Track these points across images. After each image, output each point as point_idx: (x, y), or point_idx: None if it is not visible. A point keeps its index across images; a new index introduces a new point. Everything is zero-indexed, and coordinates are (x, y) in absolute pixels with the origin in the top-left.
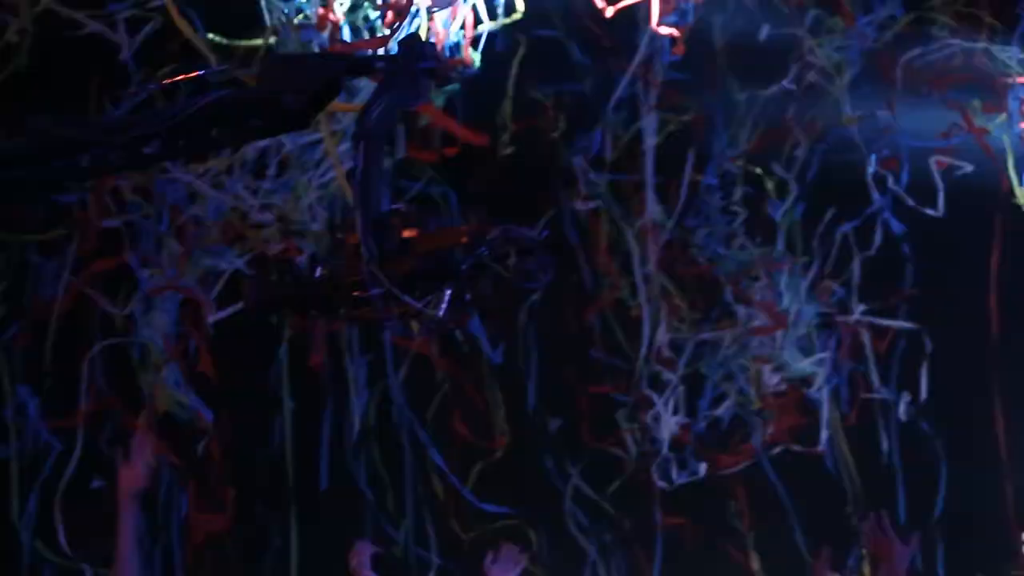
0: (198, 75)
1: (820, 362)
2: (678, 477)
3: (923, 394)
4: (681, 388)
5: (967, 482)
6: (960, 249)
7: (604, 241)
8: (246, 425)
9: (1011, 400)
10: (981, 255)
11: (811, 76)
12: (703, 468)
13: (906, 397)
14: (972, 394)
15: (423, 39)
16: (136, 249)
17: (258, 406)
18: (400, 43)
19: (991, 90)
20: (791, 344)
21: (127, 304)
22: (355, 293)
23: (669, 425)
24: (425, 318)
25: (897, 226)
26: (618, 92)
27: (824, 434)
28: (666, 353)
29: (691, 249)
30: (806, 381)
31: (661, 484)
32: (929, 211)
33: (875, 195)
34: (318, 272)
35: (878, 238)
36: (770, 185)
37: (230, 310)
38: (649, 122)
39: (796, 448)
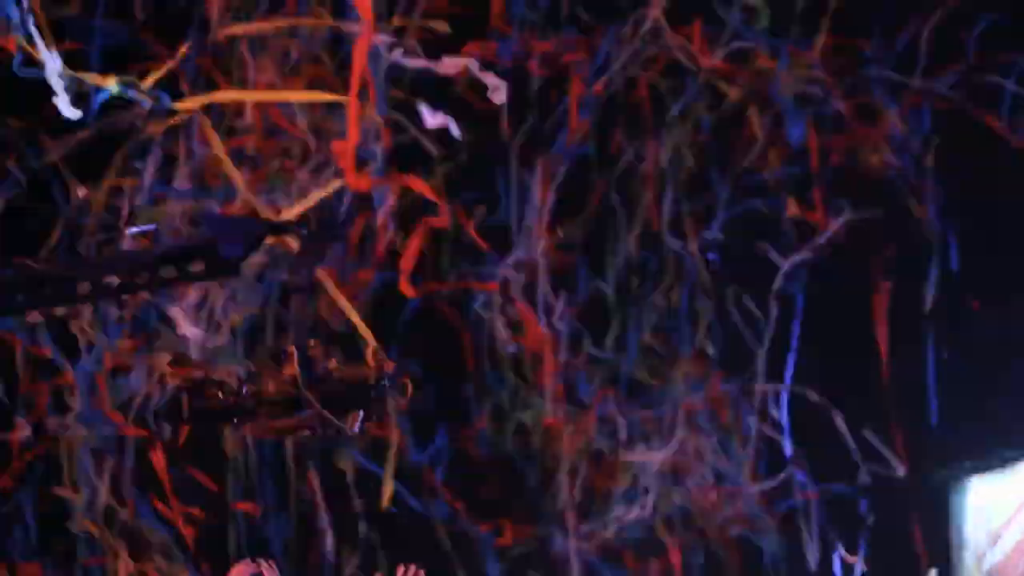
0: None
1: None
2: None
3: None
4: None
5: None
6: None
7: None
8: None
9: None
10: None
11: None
12: None
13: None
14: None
15: (335, 217)
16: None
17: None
18: (319, 218)
19: None
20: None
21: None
22: (286, 410)
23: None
24: (344, 433)
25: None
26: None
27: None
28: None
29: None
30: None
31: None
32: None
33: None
34: (245, 390)
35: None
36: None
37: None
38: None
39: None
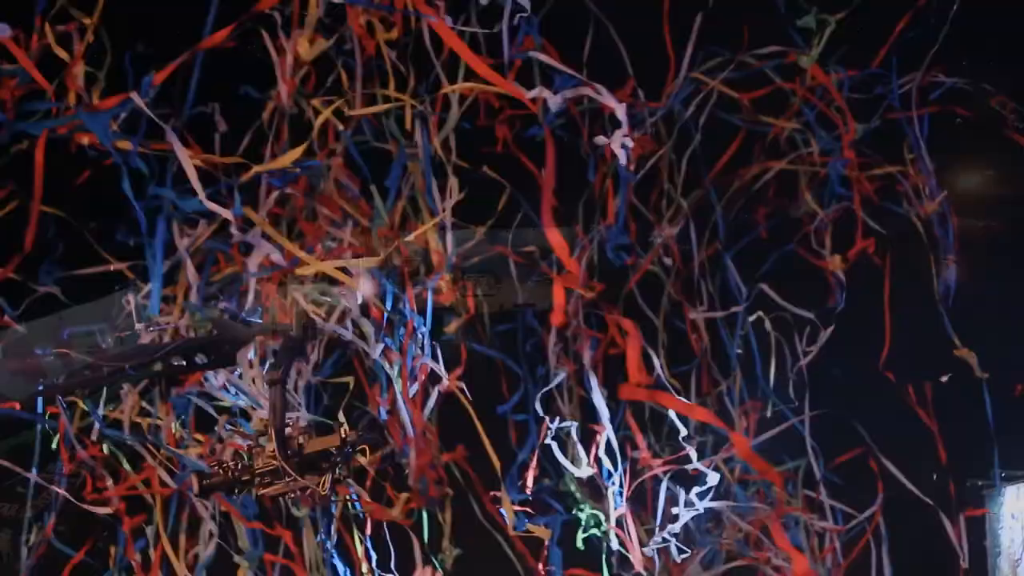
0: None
1: None
2: None
3: None
4: None
5: None
6: None
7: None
8: None
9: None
10: None
11: None
12: None
13: None
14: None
15: (315, 323)
16: None
17: None
18: (301, 324)
19: None
20: None
21: None
22: (269, 478)
23: None
24: (317, 493)
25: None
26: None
27: None
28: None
29: None
30: None
31: None
32: None
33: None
34: (239, 465)
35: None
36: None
37: None
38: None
39: None
